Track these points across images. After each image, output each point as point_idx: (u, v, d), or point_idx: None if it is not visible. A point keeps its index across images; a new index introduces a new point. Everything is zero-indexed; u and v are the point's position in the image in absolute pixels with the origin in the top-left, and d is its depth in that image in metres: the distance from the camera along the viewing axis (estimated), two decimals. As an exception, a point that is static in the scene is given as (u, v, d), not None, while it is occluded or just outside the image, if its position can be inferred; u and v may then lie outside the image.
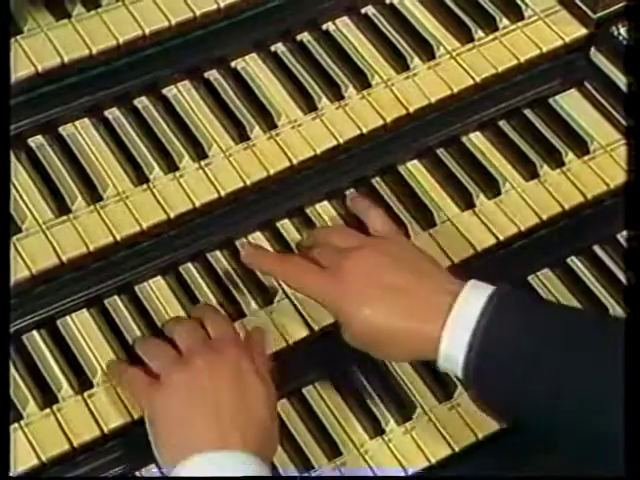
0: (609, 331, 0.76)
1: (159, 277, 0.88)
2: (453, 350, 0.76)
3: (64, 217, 0.87)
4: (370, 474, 0.82)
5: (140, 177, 0.90)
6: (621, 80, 0.95)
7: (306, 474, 0.82)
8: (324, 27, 0.99)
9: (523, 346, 0.75)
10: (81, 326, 0.86)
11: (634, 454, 0.70)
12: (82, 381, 0.83)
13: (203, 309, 0.85)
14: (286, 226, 0.92)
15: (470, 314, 0.76)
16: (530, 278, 0.92)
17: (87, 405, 0.82)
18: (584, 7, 0.96)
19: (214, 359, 0.79)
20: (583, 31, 0.97)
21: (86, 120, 0.92)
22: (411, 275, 0.79)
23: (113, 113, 0.93)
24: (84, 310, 0.86)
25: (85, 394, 0.82)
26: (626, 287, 0.79)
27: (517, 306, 0.77)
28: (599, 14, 0.96)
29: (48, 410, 0.81)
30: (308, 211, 0.92)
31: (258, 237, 0.91)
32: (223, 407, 0.76)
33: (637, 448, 0.70)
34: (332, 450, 0.84)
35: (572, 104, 0.97)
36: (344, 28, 0.99)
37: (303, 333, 0.86)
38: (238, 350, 0.80)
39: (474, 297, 0.77)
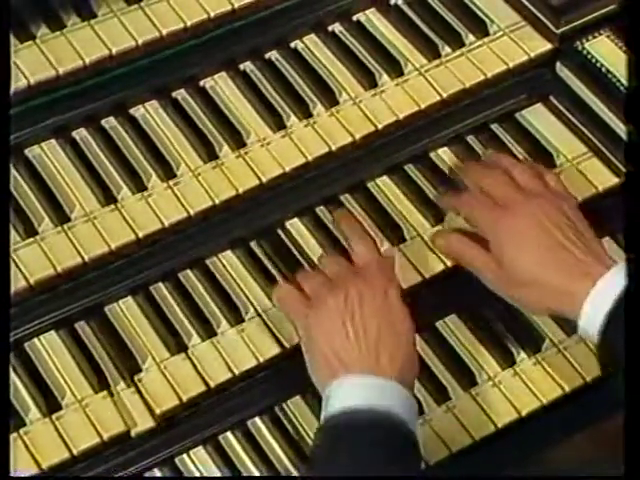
0: None
1: (129, 297, 0.88)
2: (594, 315, 0.79)
3: (31, 239, 0.87)
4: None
5: (108, 197, 0.89)
6: (586, 94, 0.96)
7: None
8: (292, 45, 0.99)
9: None
10: (49, 348, 0.85)
11: (634, 454, 0.70)
12: (50, 403, 0.82)
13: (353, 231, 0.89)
14: (256, 244, 0.92)
15: (615, 287, 0.79)
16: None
17: (55, 427, 0.81)
18: (547, 22, 0.97)
19: (363, 285, 0.83)
20: (548, 46, 0.98)
21: (53, 141, 0.92)
22: (576, 238, 0.83)
23: (80, 133, 0.93)
24: (52, 332, 0.86)
25: (53, 416, 0.82)
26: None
27: None
28: (562, 29, 0.97)
29: (15, 434, 0.81)
30: (278, 229, 0.92)
31: (229, 256, 0.91)
32: (372, 331, 0.80)
33: (637, 448, 0.70)
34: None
35: (538, 118, 0.98)
36: (312, 46, 0.99)
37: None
38: (384, 277, 0.84)
39: (622, 273, 0.80)
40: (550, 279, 0.82)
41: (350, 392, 0.78)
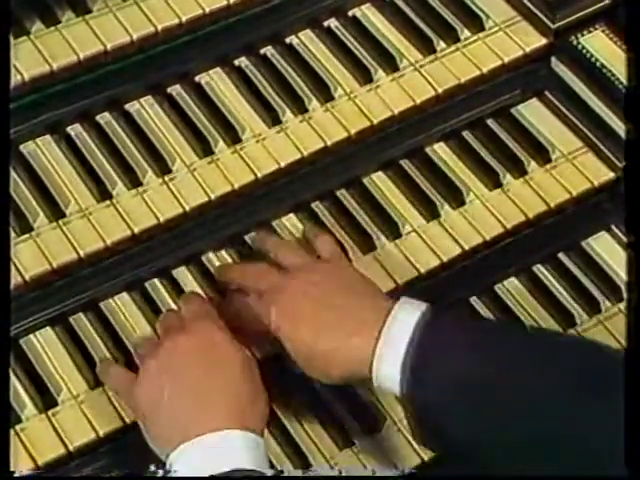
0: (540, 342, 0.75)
1: (124, 293, 0.88)
2: (386, 369, 0.75)
3: (26, 235, 0.86)
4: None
5: (103, 193, 0.89)
6: (581, 89, 0.96)
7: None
8: (287, 41, 0.99)
9: (461, 365, 0.74)
10: (45, 344, 0.85)
11: (634, 454, 0.70)
12: (46, 399, 0.82)
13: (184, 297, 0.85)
14: (252, 240, 0.92)
15: (403, 330, 0.75)
16: (497, 287, 0.92)
17: (51, 424, 0.81)
18: (543, 17, 0.97)
19: (183, 338, 0.78)
20: (543, 41, 0.98)
21: (48, 137, 0.92)
22: (346, 296, 0.80)
23: (75, 129, 0.92)
24: (48, 328, 0.86)
25: (49, 412, 0.82)
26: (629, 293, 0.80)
27: (451, 322, 0.77)
28: (557, 24, 0.97)
29: (11, 430, 0.80)
30: (274, 224, 0.92)
31: (224, 252, 0.91)
32: (199, 385, 0.76)
33: (637, 448, 0.70)
34: None
35: (534, 113, 0.98)
36: (307, 41, 0.99)
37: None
38: (208, 324, 0.80)
39: (407, 313, 0.76)
40: (329, 344, 0.77)
41: (192, 464, 0.73)
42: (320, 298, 0.80)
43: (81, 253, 0.86)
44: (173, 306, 0.88)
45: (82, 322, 0.86)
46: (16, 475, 0.78)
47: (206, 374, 0.76)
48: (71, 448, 0.80)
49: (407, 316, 0.76)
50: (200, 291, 0.88)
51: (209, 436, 0.73)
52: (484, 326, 0.81)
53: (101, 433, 0.81)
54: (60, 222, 0.87)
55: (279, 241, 0.89)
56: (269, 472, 0.74)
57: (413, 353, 0.74)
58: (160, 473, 0.79)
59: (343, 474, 0.81)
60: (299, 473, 0.81)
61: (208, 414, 0.75)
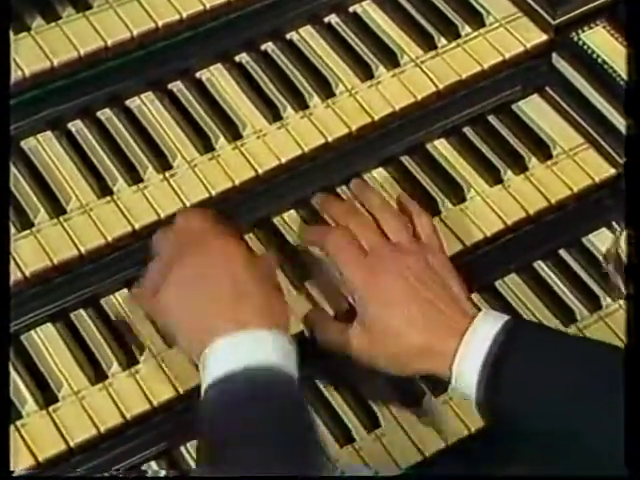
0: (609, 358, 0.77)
1: (125, 289, 0.88)
2: (466, 372, 0.77)
3: (27, 231, 0.86)
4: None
5: (104, 189, 0.89)
6: (582, 85, 0.96)
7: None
8: (288, 37, 0.99)
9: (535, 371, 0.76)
10: (46, 340, 0.85)
11: (634, 454, 0.70)
12: (47, 395, 0.82)
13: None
14: (252, 237, 0.91)
15: (485, 336, 0.77)
16: (497, 284, 0.92)
17: (52, 420, 0.81)
18: (543, 13, 0.97)
19: (204, 251, 0.80)
20: (544, 37, 0.98)
21: (48, 133, 0.91)
22: (439, 291, 0.81)
23: (76, 125, 0.92)
24: (49, 324, 0.86)
25: (50, 408, 0.82)
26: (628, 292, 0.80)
27: (530, 333, 0.79)
28: (558, 20, 0.97)
29: (12, 426, 0.80)
30: (275, 221, 0.92)
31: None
32: (225, 291, 0.77)
33: (637, 448, 0.70)
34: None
35: (534, 109, 0.98)
36: (308, 37, 0.99)
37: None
38: (230, 237, 0.81)
39: (490, 321, 0.78)
40: (417, 340, 0.78)
41: (221, 358, 0.75)
42: (417, 287, 0.80)
43: (82, 249, 0.86)
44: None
45: (83, 318, 0.86)
46: (16, 475, 0.77)
47: (231, 279, 0.78)
48: (72, 444, 0.80)
49: (490, 324, 0.78)
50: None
51: (241, 333, 0.75)
52: (562, 341, 0.81)
53: (102, 429, 0.81)
54: (61, 218, 0.87)
55: (386, 207, 0.87)
56: (294, 371, 0.74)
57: (492, 360, 0.76)
58: (162, 473, 0.80)
59: (346, 474, 0.81)
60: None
61: (237, 313, 0.76)
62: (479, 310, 0.81)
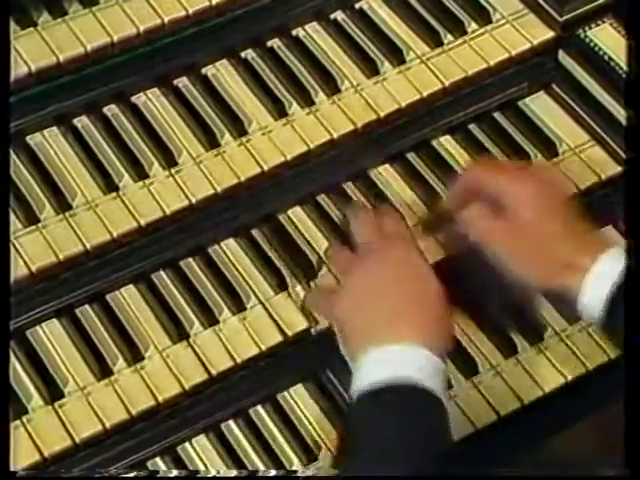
0: None
1: (131, 285, 0.88)
2: (593, 294, 0.79)
3: (33, 227, 0.86)
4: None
5: (110, 185, 0.89)
6: (589, 82, 0.96)
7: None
8: (294, 33, 0.99)
9: None
10: (52, 336, 0.85)
11: (634, 454, 0.70)
12: (52, 391, 0.82)
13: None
14: (258, 232, 0.92)
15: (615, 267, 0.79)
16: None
17: (58, 415, 0.81)
18: (550, 10, 0.97)
19: (385, 253, 0.83)
20: (550, 34, 0.98)
21: (54, 129, 0.92)
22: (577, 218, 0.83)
23: (82, 121, 0.92)
24: (54, 320, 0.86)
25: (56, 404, 0.82)
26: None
27: None
28: (565, 17, 0.97)
29: (17, 422, 0.81)
30: (280, 217, 0.92)
31: (231, 244, 0.91)
32: (395, 298, 0.81)
33: (637, 448, 0.70)
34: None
35: (541, 107, 0.98)
36: (314, 34, 0.99)
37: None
38: (407, 244, 0.85)
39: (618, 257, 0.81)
40: (565, 251, 0.81)
41: (371, 368, 0.78)
42: (569, 205, 0.84)
43: (87, 245, 0.86)
44: (179, 298, 0.88)
45: (88, 314, 0.87)
46: (18, 475, 0.78)
47: (404, 290, 0.81)
48: (77, 440, 0.81)
49: (619, 259, 0.80)
50: (206, 282, 0.88)
51: (397, 346, 0.78)
52: None
53: (108, 425, 0.81)
54: (67, 214, 0.87)
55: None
56: (442, 395, 0.77)
57: (617, 286, 0.78)
58: (164, 468, 0.80)
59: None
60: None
61: (401, 327, 0.79)
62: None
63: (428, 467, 0.73)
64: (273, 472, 0.83)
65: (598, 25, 0.96)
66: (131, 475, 0.81)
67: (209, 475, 0.83)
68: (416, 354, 0.78)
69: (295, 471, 0.83)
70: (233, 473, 0.82)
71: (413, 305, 0.81)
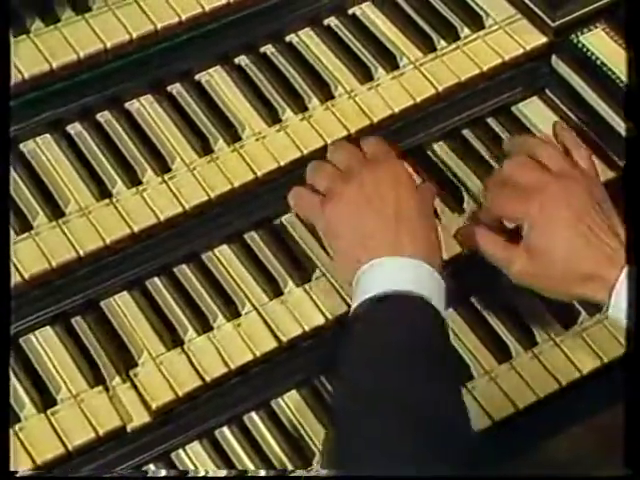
0: None
1: (125, 292, 0.88)
2: (622, 302, 0.80)
3: (26, 234, 0.86)
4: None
5: (103, 192, 0.89)
6: (582, 87, 0.96)
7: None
8: (287, 39, 0.99)
9: None
10: (45, 343, 0.85)
11: (634, 454, 0.70)
12: (45, 399, 0.82)
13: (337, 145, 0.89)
14: (253, 238, 0.92)
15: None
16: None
17: (50, 423, 0.81)
18: (543, 16, 0.97)
19: (376, 171, 0.84)
20: (543, 39, 0.98)
21: (47, 136, 0.92)
22: (602, 222, 0.83)
23: (75, 128, 0.92)
24: (48, 327, 0.85)
25: (48, 412, 0.82)
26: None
27: None
28: (558, 22, 0.97)
29: (10, 429, 0.80)
30: (274, 223, 0.92)
31: (224, 250, 0.91)
32: (391, 214, 0.81)
33: (637, 448, 0.70)
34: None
35: (534, 111, 0.98)
36: (307, 40, 0.99)
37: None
38: (395, 163, 0.86)
39: None
40: (579, 265, 0.82)
41: (376, 278, 0.79)
42: (582, 215, 0.83)
43: (81, 252, 0.86)
44: (173, 305, 0.88)
45: (82, 321, 0.86)
46: (18, 475, 0.78)
47: (397, 206, 0.82)
48: (70, 448, 0.80)
49: None
50: (200, 288, 0.88)
51: (398, 259, 0.79)
52: None
53: (101, 432, 0.81)
54: (60, 221, 0.87)
55: (539, 141, 0.90)
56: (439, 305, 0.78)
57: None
58: (164, 473, 0.80)
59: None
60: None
61: (397, 236, 0.80)
62: None
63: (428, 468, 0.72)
64: (262, 472, 0.83)
65: (591, 30, 0.96)
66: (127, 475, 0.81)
67: (199, 475, 0.82)
68: (419, 267, 0.78)
69: (290, 470, 0.82)
70: (223, 473, 0.82)
71: (412, 220, 0.81)
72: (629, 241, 0.82)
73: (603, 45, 0.95)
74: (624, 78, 0.93)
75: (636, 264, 0.78)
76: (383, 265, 0.79)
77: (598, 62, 0.94)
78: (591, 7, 0.97)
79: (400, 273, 0.79)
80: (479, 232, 0.88)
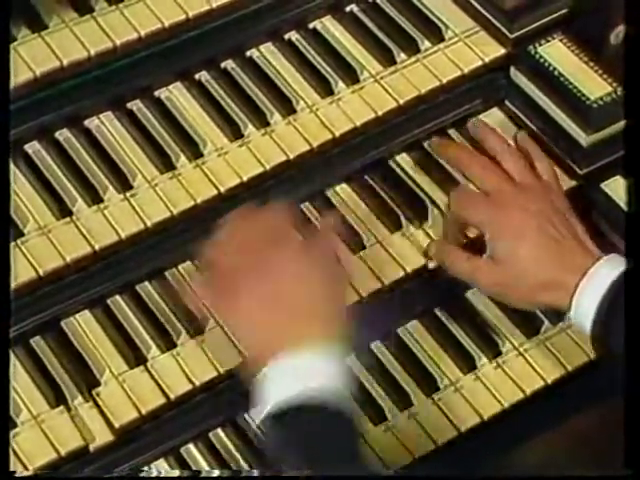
0: None
1: (86, 311, 0.87)
2: (585, 307, 0.81)
3: (-16, 254, 0.86)
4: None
5: (63, 210, 0.88)
6: (540, 98, 0.96)
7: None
8: (248, 54, 0.99)
9: None
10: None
11: (634, 454, 0.71)
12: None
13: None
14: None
15: (606, 277, 0.81)
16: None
17: (11, 445, 0.79)
18: (501, 27, 0.98)
19: (270, 262, 0.81)
20: (502, 51, 0.99)
21: (6, 154, 0.91)
22: (567, 231, 0.85)
23: (33, 146, 0.92)
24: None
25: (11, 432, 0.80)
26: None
27: None
28: (516, 34, 0.98)
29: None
30: (238, 238, 0.92)
31: (188, 267, 0.90)
32: (294, 302, 0.79)
33: (637, 448, 0.71)
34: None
35: (494, 122, 0.98)
36: (268, 54, 0.99)
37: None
38: (294, 243, 0.83)
39: (613, 263, 0.82)
40: (544, 273, 0.83)
41: (277, 383, 0.76)
42: (544, 225, 0.84)
43: (40, 271, 0.85)
44: (136, 323, 0.87)
45: (42, 341, 0.85)
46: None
47: (295, 293, 0.79)
48: (31, 469, 0.79)
49: (616, 263, 0.81)
50: (164, 305, 0.88)
51: (292, 357, 0.76)
52: None
53: (63, 453, 0.80)
54: (19, 240, 0.86)
55: (509, 148, 0.91)
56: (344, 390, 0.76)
57: (611, 298, 0.80)
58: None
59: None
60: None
61: (300, 329, 0.78)
62: (598, 251, 0.84)
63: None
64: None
65: (548, 41, 0.97)
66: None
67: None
68: (322, 364, 0.76)
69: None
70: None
71: (317, 303, 0.79)
72: (627, 246, 0.82)
73: (560, 55, 0.96)
74: (582, 88, 0.94)
75: (635, 265, 0.78)
76: (281, 370, 0.76)
77: (556, 72, 0.95)
78: (548, 18, 0.98)
79: (300, 375, 0.76)
80: (442, 247, 0.89)
